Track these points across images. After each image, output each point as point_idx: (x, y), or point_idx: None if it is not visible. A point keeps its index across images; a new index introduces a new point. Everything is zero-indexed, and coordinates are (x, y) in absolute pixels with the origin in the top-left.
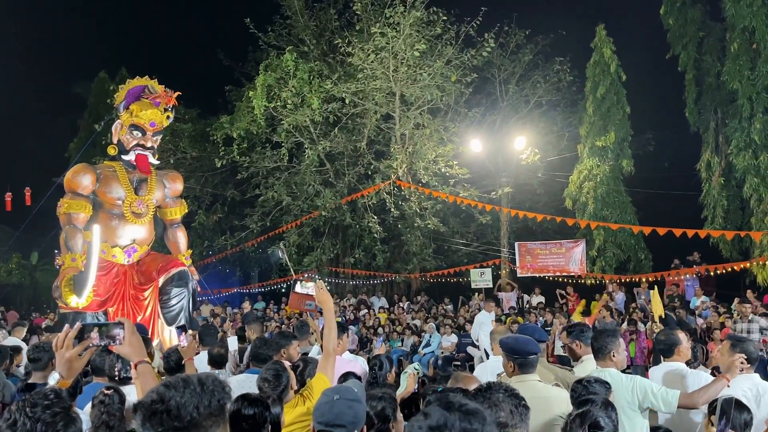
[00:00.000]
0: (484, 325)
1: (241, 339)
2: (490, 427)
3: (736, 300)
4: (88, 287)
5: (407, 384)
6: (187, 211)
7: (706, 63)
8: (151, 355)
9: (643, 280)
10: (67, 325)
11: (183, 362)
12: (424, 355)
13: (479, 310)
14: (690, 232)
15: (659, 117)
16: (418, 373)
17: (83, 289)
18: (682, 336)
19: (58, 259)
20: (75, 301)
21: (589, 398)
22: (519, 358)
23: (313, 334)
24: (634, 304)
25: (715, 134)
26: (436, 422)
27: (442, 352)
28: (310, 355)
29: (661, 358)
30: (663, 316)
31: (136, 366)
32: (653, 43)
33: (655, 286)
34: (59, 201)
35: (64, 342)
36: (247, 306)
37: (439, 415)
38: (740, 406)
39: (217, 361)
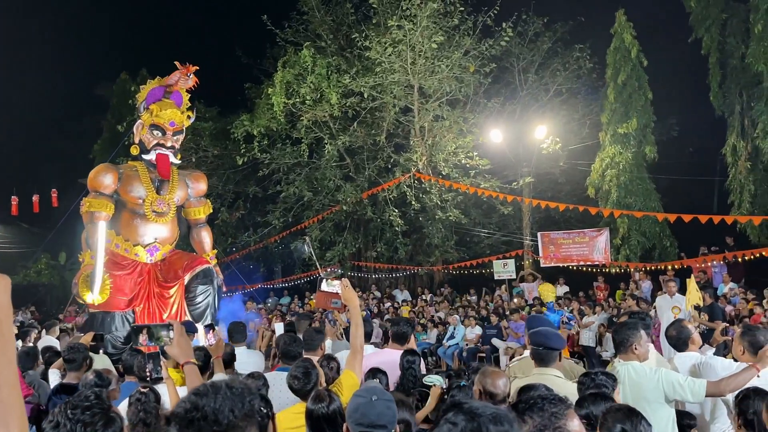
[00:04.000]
0: (663, 309)
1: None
2: (517, 429)
3: None
4: (97, 284)
5: (429, 402)
6: (211, 210)
7: (729, 45)
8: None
9: (669, 267)
10: None
11: (211, 360)
12: (449, 347)
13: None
14: (716, 218)
15: (682, 102)
16: (441, 386)
17: (93, 285)
18: (691, 327)
19: (79, 256)
20: (91, 298)
21: (600, 393)
22: (534, 350)
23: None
24: (660, 292)
25: (741, 118)
26: (463, 429)
27: (467, 345)
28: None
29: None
30: (699, 305)
31: (183, 366)
32: (674, 26)
33: (692, 275)
34: (82, 200)
35: None
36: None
37: (465, 422)
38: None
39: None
